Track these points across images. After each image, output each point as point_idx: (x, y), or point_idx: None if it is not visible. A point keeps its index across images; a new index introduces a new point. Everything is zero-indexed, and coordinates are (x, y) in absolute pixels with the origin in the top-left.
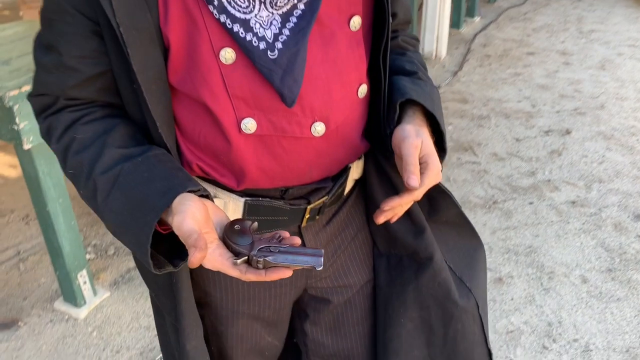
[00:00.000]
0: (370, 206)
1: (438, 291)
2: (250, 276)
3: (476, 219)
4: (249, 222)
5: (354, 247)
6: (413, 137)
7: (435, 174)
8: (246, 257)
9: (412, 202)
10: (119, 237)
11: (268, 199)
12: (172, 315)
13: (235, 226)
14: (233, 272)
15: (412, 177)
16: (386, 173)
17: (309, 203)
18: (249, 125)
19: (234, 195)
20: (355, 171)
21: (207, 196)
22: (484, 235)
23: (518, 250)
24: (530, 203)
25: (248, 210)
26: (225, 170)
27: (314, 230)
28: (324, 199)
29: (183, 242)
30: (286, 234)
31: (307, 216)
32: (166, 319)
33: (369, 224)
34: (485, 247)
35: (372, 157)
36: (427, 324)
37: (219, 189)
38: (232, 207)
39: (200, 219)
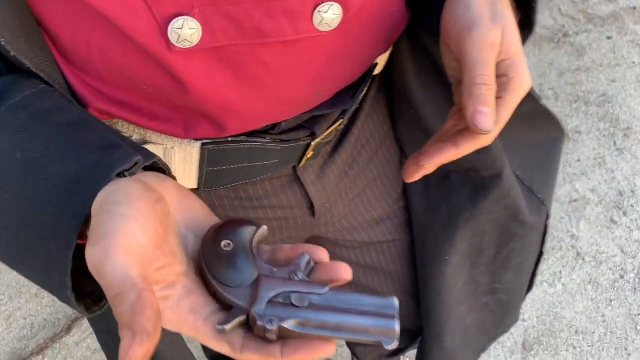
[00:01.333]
0: (400, 100)
1: (502, 215)
2: (250, 355)
3: (541, 56)
4: (252, 229)
5: (377, 168)
6: (486, 26)
7: (520, 97)
8: (244, 317)
9: (473, 150)
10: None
11: (243, 138)
12: None
13: (224, 243)
14: (218, 346)
15: (483, 114)
16: (426, 50)
17: (313, 137)
18: (185, 31)
19: (181, 139)
20: (380, 63)
21: (161, 170)
22: (550, 78)
23: (589, 99)
24: (609, 38)
25: (209, 159)
26: (158, 110)
27: (316, 168)
28: (338, 124)
29: (109, 302)
30: (320, 253)
31: (309, 155)
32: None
33: (395, 125)
34: (550, 92)
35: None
36: (477, 250)
37: (153, 132)
38: (180, 157)
39: (145, 245)
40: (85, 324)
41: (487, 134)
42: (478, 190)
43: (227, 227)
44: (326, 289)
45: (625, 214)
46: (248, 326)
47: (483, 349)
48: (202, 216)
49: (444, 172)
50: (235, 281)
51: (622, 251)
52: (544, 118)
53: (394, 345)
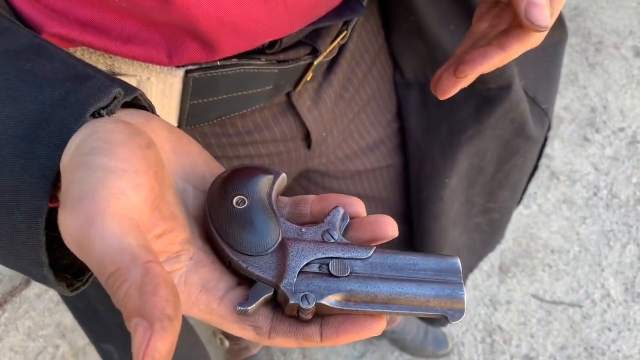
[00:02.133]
0: (396, 7)
1: (507, 130)
2: (282, 340)
3: None
4: (268, 178)
5: (371, 87)
6: None
7: None
8: (271, 294)
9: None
10: None
11: (235, 61)
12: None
13: (236, 199)
14: (240, 331)
15: (539, 6)
16: None
17: (315, 54)
18: None
19: (160, 67)
20: None
21: (143, 108)
22: None
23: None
24: None
25: (194, 90)
26: (133, 30)
27: (311, 93)
28: (341, 37)
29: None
30: (356, 204)
31: (308, 77)
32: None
33: (389, 37)
34: None
35: None
36: (476, 169)
37: (125, 59)
38: (158, 90)
39: (139, 206)
40: None
41: (543, 31)
42: (484, 105)
43: (236, 177)
44: (371, 252)
45: (597, 130)
46: (276, 303)
47: (471, 269)
48: (202, 163)
49: None
50: (255, 247)
51: (595, 168)
52: None
53: (460, 319)
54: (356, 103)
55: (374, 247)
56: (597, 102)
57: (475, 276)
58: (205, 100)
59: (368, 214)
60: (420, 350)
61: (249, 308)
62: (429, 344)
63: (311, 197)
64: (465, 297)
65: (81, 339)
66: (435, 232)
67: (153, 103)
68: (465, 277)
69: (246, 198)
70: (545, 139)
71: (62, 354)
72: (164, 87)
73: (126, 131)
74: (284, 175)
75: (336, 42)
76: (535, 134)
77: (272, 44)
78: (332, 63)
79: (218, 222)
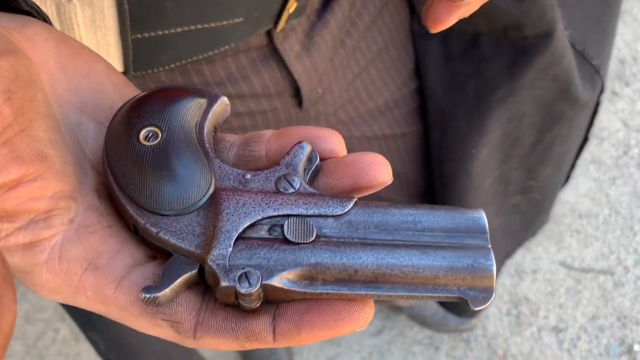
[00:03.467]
0: None
1: (549, 90)
2: (214, 340)
3: None
4: (199, 102)
5: (381, 35)
6: None
7: None
8: (194, 272)
9: None
10: None
11: None
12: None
13: (144, 132)
14: (150, 328)
15: None
16: None
17: None
18: None
19: None
20: None
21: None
22: None
23: None
24: None
25: (133, 17)
26: None
27: (300, 35)
28: None
29: None
30: (331, 138)
31: (290, 9)
32: None
33: None
34: None
35: None
36: (511, 138)
37: None
38: (85, 17)
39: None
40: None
41: None
42: (518, 57)
43: (149, 102)
44: (349, 205)
45: (627, 84)
46: (206, 286)
47: (508, 254)
48: (111, 88)
49: (470, 35)
50: (171, 203)
51: (625, 125)
52: None
53: (487, 303)
54: (362, 54)
55: (355, 199)
56: (627, 53)
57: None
58: (153, 33)
59: (380, 194)
60: (442, 325)
61: (159, 294)
62: (451, 318)
63: (268, 132)
64: (495, 269)
65: None
66: None
67: (84, 37)
68: (502, 265)
69: (159, 130)
70: (597, 104)
71: (62, 338)
72: (93, 13)
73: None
74: (224, 99)
75: None
76: (583, 96)
77: None
78: (327, 4)
79: (118, 167)
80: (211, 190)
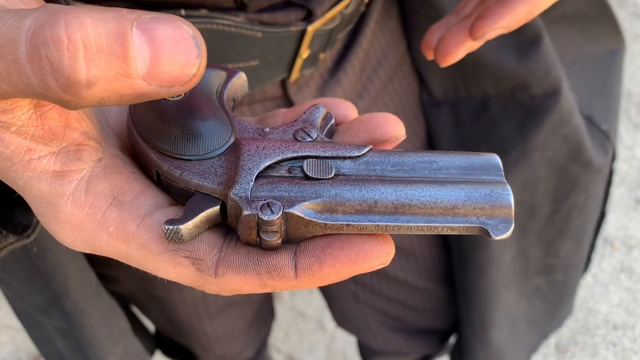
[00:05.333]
0: (417, 7)
1: (560, 151)
2: (236, 277)
3: None
4: (220, 74)
5: (392, 101)
6: None
7: None
8: (216, 208)
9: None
10: None
11: (204, 12)
12: (55, 317)
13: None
14: (171, 270)
15: None
16: None
17: (310, 18)
18: None
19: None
20: None
21: None
22: None
23: None
24: None
25: None
26: None
27: (313, 89)
28: (343, 4)
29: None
30: (344, 106)
31: (303, 55)
32: (47, 326)
33: (412, 47)
34: None
35: None
36: (527, 207)
37: None
38: None
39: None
40: None
41: None
42: (528, 118)
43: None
44: (364, 149)
45: None
46: (226, 226)
47: (533, 348)
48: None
49: (479, 99)
50: (194, 148)
51: None
52: (599, 21)
53: (508, 232)
54: None
55: (371, 146)
56: None
57: None
58: None
59: (396, 272)
60: None
61: (182, 226)
62: None
63: (282, 110)
64: (512, 198)
65: None
66: (481, 290)
67: None
68: (528, 358)
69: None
70: (611, 173)
71: None
72: None
73: None
74: (242, 74)
75: (336, 8)
76: (596, 159)
77: None
78: (341, 59)
79: (143, 121)
80: (232, 140)
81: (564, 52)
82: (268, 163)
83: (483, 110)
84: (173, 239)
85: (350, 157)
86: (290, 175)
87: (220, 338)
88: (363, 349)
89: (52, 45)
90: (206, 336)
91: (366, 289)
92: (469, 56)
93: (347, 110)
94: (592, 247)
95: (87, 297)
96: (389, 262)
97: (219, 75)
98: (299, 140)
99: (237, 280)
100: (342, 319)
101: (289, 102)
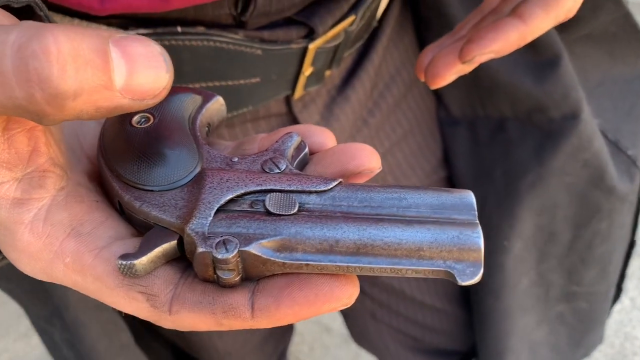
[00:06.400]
0: (431, 19)
1: (580, 177)
2: (190, 315)
3: None
4: (194, 98)
5: (407, 119)
6: None
7: None
8: (173, 243)
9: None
10: None
11: (202, 29)
12: (57, 327)
13: (137, 117)
14: (126, 304)
15: None
16: None
17: (311, 36)
18: None
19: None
20: None
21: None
22: None
23: None
24: None
25: None
26: None
27: (320, 106)
28: (348, 21)
29: None
30: (321, 134)
31: (307, 72)
32: (54, 335)
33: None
34: None
35: None
36: (546, 233)
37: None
38: None
39: None
40: None
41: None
42: (545, 141)
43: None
44: (332, 184)
45: None
46: (186, 259)
47: None
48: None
49: (496, 119)
50: (156, 179)
51: None
52: (628, 42)
53: (476, 278)
54: (387, 135)
55: (340, 180)
56: None
57: None
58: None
59: (414, 293)
60: None
61: (136, 261)
62: None
63: (261, 135)
64: (482, 241)
65: None
66: (496, 314)
67: None
68: None
69: (152, 116)
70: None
71: None
72: None
73: None
74: (219, 98)
75: (339, 26)
76: (620, 187)
77: (244, 8)
78: (350, 76)
79: (109, 148)
80: (197, 170)
81: (589, 73)
82: (230, 197)
83: (500, 130)
84: (127, 274)
85: (316, 192)
86: (252, 210)
87: (232, 354)
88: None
89: (41, 57)
90: (217, 352)
91: (383, 308)
92: (485, 75)
93: (324, 138)
94: (621, 276)
95: (87, 310)
96: (352, 303)
97: (193, 100)
98: (267, 172)
99: (192, 318)
100: (360, 337)
101: (293, 119)
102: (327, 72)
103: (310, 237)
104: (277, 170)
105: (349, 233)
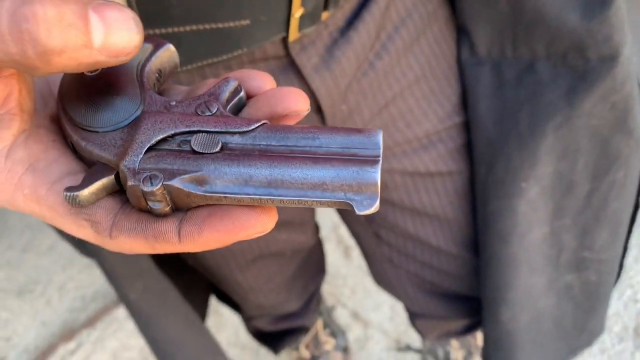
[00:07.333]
0: None
1: (606, 120)
2: (127, 240)
3: None
4: (145, 47)
5: (422, 60)
6: None
7: None
8: (110, 177)
9: None
10: None
11: None
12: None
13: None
14: (74, 229)
15: None
16: None
17: None
18: None
19: None
20: None
21: None
22: None
23: None
24: None
25: (139, 15)
26: None
27: (320, 48)
28: None
29: None
30: (260, 78)
31: (296, 13)
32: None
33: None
34: None
35: None
36: (565, 181)
37: None
38: None
39: None
40: None
41: None
42: (578, 83)
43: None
44: (254, 125)
45: None
46: (122, 194)
47: None
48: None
49: (526, 60)
50: (100, 121)
51: None
52: None
53: (372, 208)
54: (397, 80)
55: (264, 121)
56: None
57: (604, 338)
58: (164, 30)
59: (429, 237)
60: None
61: (79, 193)
62: None
63: (210, 80)
64: (379, 176)
65: None
66: (500, 261)
67: None
68: None
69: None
70: None
71: None
72: None
73: None
74: (170, 46)
75: None
76: (639, 129)
77: None
78: (354, 18)
79: (66, 95)
80: (137, 113)
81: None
82: (160, 137)
83: (529, 72)
84: (72, 203)
85: (239, 132)
86: (179, 149)
87: (254, 289)
88: (407, 311)
89: (31, 20)
90: (240, 286)
91: (400, 254)
92: (530, 7)
93: (262, 82)
94: (624, 249)
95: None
96: (269, 230)
97: (143, 49)
98: (199, 114)
99: (129, 242)
100: (381, 281)
101: (292, 62)
102: (325, 14)
103: (227, 172)
104: (209, 113)
105: (262, 169)
